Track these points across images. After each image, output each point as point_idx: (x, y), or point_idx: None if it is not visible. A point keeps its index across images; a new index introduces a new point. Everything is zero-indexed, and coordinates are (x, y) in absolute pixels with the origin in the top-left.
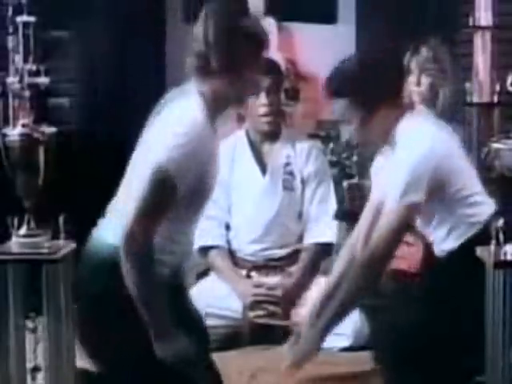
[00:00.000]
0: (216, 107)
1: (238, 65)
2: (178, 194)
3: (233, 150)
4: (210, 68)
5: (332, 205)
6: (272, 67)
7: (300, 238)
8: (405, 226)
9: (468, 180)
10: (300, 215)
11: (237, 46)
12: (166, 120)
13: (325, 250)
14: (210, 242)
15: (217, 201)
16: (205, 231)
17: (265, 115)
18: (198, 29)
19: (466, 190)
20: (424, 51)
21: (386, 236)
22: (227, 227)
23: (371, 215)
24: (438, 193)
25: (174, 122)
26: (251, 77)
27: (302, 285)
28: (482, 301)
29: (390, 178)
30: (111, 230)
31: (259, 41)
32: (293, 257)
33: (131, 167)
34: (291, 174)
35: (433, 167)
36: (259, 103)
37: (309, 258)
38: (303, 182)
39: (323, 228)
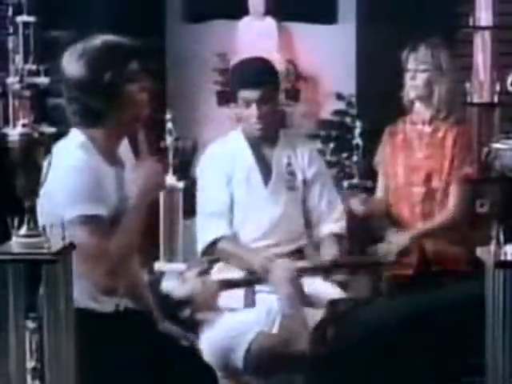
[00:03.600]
0: None
1: None
2: None
3: (231, 150)
4: None
5: (339, 202)
6: (265, 74)
7: (302, 236)
8: None
9: None
10: (302, 214)
11: None
12: None
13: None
14: (214, 236)
15: (216, 199)
16: (205, 227)
17: (256, 125)
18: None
19: None
20: (422, 49)
21: None
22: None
23: None
24: None
25: None
26: None
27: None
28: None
29: None
30: None
31: None
32: (295, 254)
33: None
34: (292, 174)
35: None
36: (250, 114)
37: (329, 244)
38: (305, 182)
39: (336, 219)
